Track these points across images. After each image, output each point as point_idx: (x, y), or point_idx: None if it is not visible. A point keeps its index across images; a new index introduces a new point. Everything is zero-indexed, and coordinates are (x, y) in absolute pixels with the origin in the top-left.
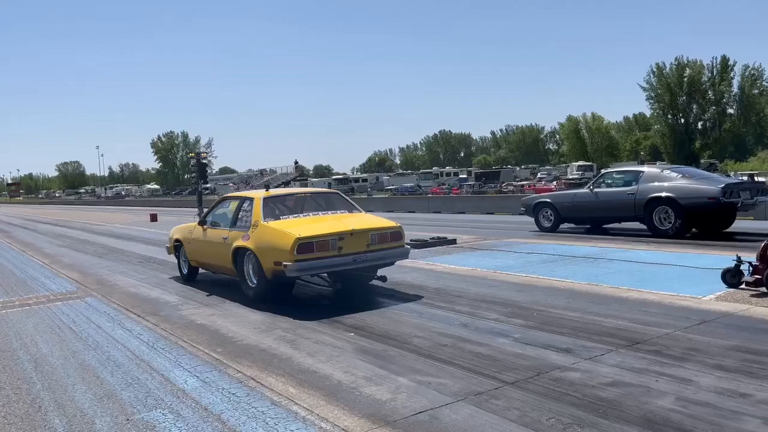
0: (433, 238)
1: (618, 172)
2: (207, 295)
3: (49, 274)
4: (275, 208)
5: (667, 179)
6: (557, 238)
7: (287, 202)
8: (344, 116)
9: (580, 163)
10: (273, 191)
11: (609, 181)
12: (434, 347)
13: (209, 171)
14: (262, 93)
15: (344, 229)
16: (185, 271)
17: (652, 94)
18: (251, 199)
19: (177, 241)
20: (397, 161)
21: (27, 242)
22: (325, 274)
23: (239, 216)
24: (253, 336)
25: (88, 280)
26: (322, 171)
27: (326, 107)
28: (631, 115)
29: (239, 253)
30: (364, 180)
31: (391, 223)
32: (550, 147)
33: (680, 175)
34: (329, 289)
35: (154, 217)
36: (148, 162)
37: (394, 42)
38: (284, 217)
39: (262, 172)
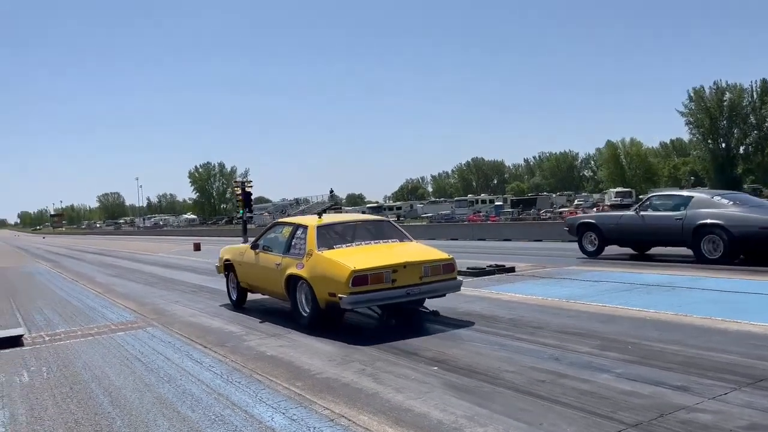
0: (490, 266)
1: (666, 196)
2: (260, 322)
3: (106, 304)
4: (329, 236)
5: (717, 206)
6: (619, 265)
7: (340, 229)
8: (375, 144)
9: (618, 189)
10: (326, 218)
11: (657, 205)
12: (531, 383)
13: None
14: (294, 123)
15: (398, 262)
16: (234, 295)
17: (691, 119)
18: (305, 227)
19: (227, 260)
20: (430, 189)
21: (77, 272)
22: (377, 308)
23: (293, 243)
24: (331, 369)
25: (146, 310)
26: (355, 199)
27: (358, 136)
28: (668, 141)
29: (292, 280)
30: (398, 208)
31: (444, 255)
32: (585, 173)
33: (731, 203)
34: (393, 319)
35: (197, 247)
36: (185, 192)
37: (423, 71)
38: (338, 246)
39: (297, 201)
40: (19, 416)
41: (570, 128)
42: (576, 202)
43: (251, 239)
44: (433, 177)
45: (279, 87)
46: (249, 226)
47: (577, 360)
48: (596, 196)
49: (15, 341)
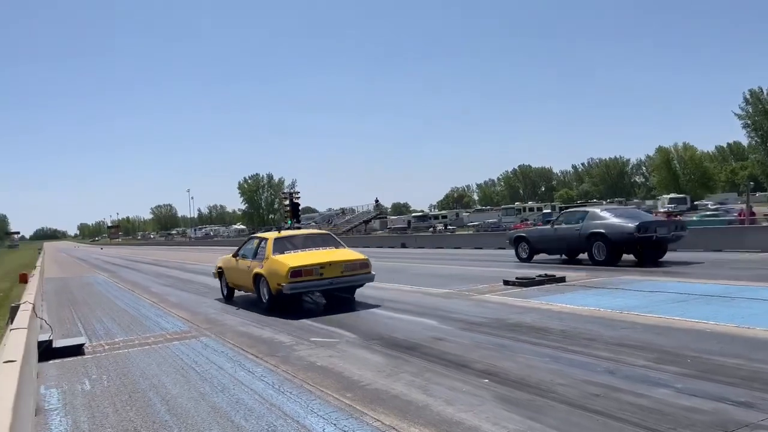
0: (540, 276)
1: (571, 212)
2: (311, 339)
3: (161, 313)
4: (282, 245)
5: (603, 218)
6: (674, 275)
7: (294, 241)
8: (421, 153)
9: (672, 195)
10: (284, 233)
11: (565, 219)
12: (585, 397)
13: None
14: (340, 134)
15: (325, 261)
16: (225, 292)
17: (748, 122)
18: (267, 239)
19: (219, 268)
20: (475, 197)
21: (133, 281)
22: (318, 293)
23: (258, 251)
24: (380, 380)
25: (198, 319)
26: (400, 208)
27: (402, 145)
28: (725, 144)
29: (256, 277)
30: (444, 216)
31: (360, 256)
32: (636, 180)
33: (613, 215)
34: (439, 330)
35: None
36: (235, 203)
37: (467, 79)
38: (287, 252)
39: (343, 211)
40: (82, 424)
41: (622, 134)
42: None
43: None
44: (478, 185)
45: (324, 99)
46: None
47: (633, 373)
48: (649, 202)
49: (77, 350)
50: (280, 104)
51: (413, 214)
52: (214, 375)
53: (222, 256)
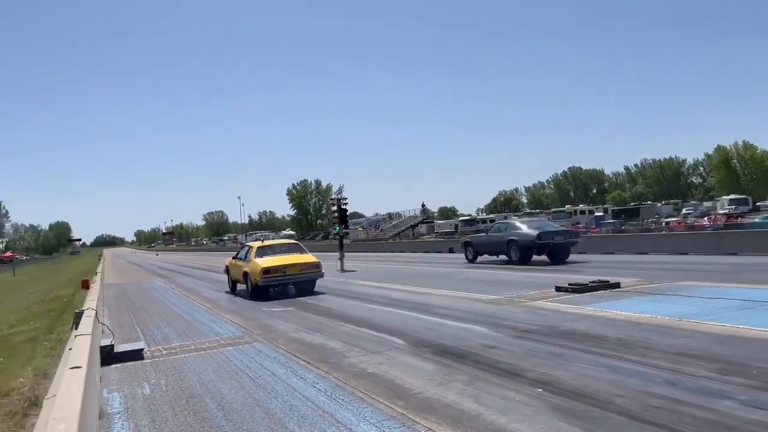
0: (593, 282)
1: (501, 222)
2: (347, 349)
3: (215, 318)
4: (262, 251)
5: (518, 227)
6: (737, 280)
7: (271, 248)
8: (467, 157)
9: (732, 196)
10: (265, 242)
11: (496, 227)
12: (645, 409)
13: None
14: (387, 138)
15: (288, 263)
16: (230, 286)
17: None
18: (252, 247)
19: (226, 266)
20: (524, 200)
21: (188, 287)
22: (291, 285)
23: (247, 255)
24: (432, 388)
25: (251, 325)
26: (447, 213)
27: (449, 147)
28: None
29: (244, 273)
30: (492, 221)
31: (314, 259)
32: (693, 180)
33: (525, 225)
34: (490, 337)
35: None
36: (284, 209)
37: (516, 79)
38: (266, 256)
39: (390, 216)
40: (143, 428)
41: (677, 133)
42: (684, 211)
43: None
44: (527, 188)
45: (371, 104)
46: (345, 241)
47: (695, 385)
48: (707, 204)
49: (137, 355)
50: (327, 110)
51: (461, 218)
52: (268, 381)
53: (228, 259)
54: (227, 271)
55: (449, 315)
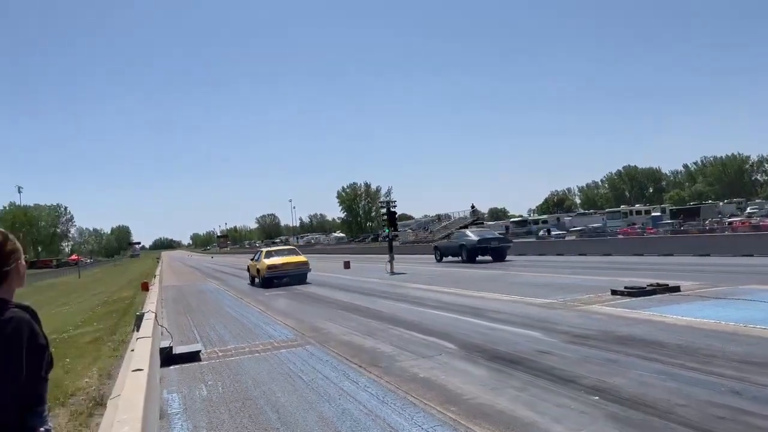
0: (651, 285)
1: (457, 231)
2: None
3: (268, 321)
4: (270, 254)
5: (467, 235)
6: None
7: (275, 252)
8: (518, 156)
9: None
10: (271, 248)
11: (456, 235)
12: (709, 420)
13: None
14: (436, 139)
15: (285, 261)
16: (249, 280)
17: None
18: (262, 251)
19: (248, 266)
20: (577, 200)
21: (241, 289)
22: (287, 278)
23: (258, 257)
24: (485, 395)
25: (303, 327)
26: (497, 213)
27: (499, 147)
28: None
29: (257, 269)
30: (544, 222)
31: (304, 259)
32: (758, 178)
33: (473, 233)
34: (544, 343)
35: (347, 265)
36: (334, 212)
37: (569, 75)
38: (271, 257)
39: (439, 218)
40: (201, 429)
41: (740, 128)
42: (748, 210)
43: (258, 251)
44: (580, 188)
45: (420, 105)
46: (394, 244)
47: (762, 394)
48: None
49: (194, 356)
50: (376, 112)
51: (511, 220)
52: (320, 384)
53: (248, 261)
54: (248, 269)
55: (501, 319)
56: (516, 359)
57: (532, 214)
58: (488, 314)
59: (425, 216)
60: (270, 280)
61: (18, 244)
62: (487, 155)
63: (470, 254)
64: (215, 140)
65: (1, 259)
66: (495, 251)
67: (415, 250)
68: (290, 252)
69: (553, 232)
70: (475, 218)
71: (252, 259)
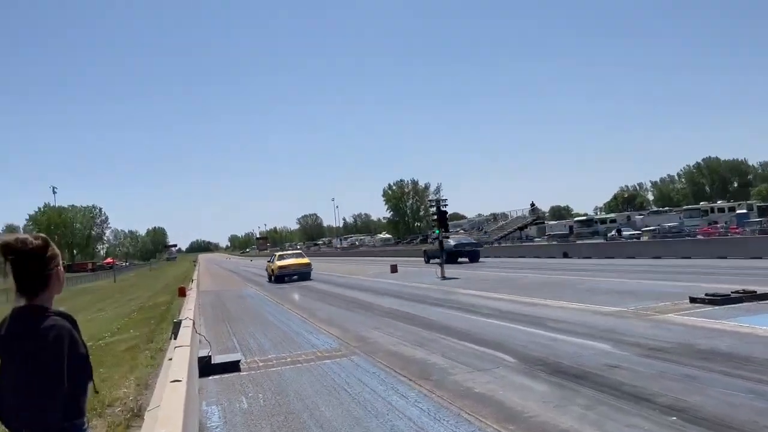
0: (736, 292)
1: (441, 236)
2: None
3: (311, 329)
4: (281, 257)
5: (448, 241)
6: None
7: (286, 255)
8: (583, 148)
9: None
10: (283, 252)
11: (437, 242)
12: None
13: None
14: (492, 132)
15: (292, 263)
16: (268, 278)
17: None
18: (276, 255)
19: (266, 267)
20: (650, 197)
21: (282, 295)
22: (294, 278)
23: (272, 259)
24: (547, 412)
25: (348, 336)
26: (560, 212)
27: (561, 139)
28: None
29: (272, 269)
30: (612, 221)
31: (307, 261)
32: None
33: (453, 240)
34: (613, 356)
35: (394, 268)
36: (380, 211)
37: (639, 67)
38: (283, 260)
39: (494, 217)
40: None
41: None
42: None
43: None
44: (653, 183)
45: (473, 96)
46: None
47: None
48: None
49: (234, 366)
50: (426, 105)
51: (576, 219)
52: (367, 398)
53: (266, 263)
54: (267, 269)
55: (565, 329)
56: (581, 374)
57: (598, 213)
58: (550, 324)
59: (479, 215)
60: (281, 277)
61: (56, 249)
62: (549, 149)
63: (449, 257)
64: (254, 138)
65: (42, 265)
66: (469, 254)
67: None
68: (297, 255)
69: (624, 232)
70: (536, 217)
71: (268, 261)
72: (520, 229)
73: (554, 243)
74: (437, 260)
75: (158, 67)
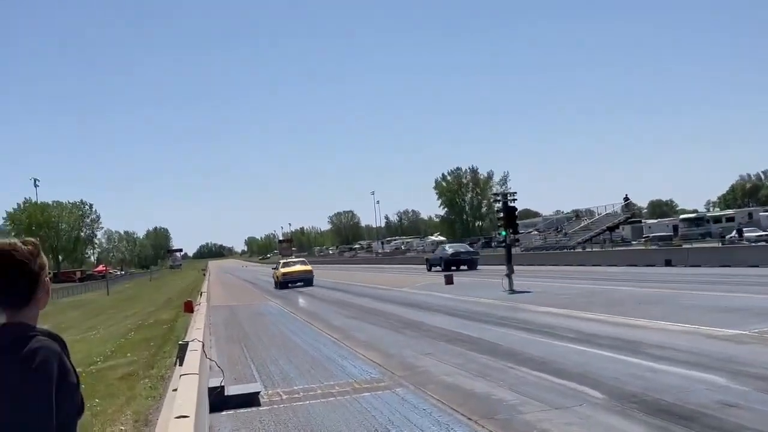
0: None
1: (439, 244)
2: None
3: (346, 354)
4: (286, 264)
5: (445, 250)
6: None
7: (290, 263)
8: (690, 128)
9: None
10: (287, 260)
11: (438, 249)
12: None
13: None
14: (572, 113)
15: (295, 270)
16: (275, 284)
17: None
18: (281, 262)
19: (272, 274)
20: None
21: (310, 311)
22: (300, 284)
23: (277, 265)
24: None
25: (392, 363)
26: (661, 208)
27: (661, 123)
28: None
29: (277, 276)
30: (729, 219)
31: (309, 268)
32: None
33: (450, 247)
34: (729, 391)
35: (449, 279)
36: (431, 208)
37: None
38: (286, 267)
39: (577, 214)
40: None
41: None
42: None
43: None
44: None
45: (547, 67)
46: (513, 251)
47: None
48: None
49: (251, 399)
50: (481, 80)
51: (681, 216)
52: None
53: (274, 270)
54: (273, 276)
55: (667, 357)
56: (688, 414)
57: (711, 209)
58: (648, 350)
59: (557, 212)
60: (285, 283)
61: (45, 258)
62: (647, 128)
63: (447, 264)
64: (275, 122)
65: (32, 276)
66: (467, 262)
67: (541, 260)
68: (300, 263)
69: (746, 234)
70: (630, 215)
71: (274, 269)
72: (610, 229)
73: (653, 247)
74: (438, 268)
75: (165, 49)
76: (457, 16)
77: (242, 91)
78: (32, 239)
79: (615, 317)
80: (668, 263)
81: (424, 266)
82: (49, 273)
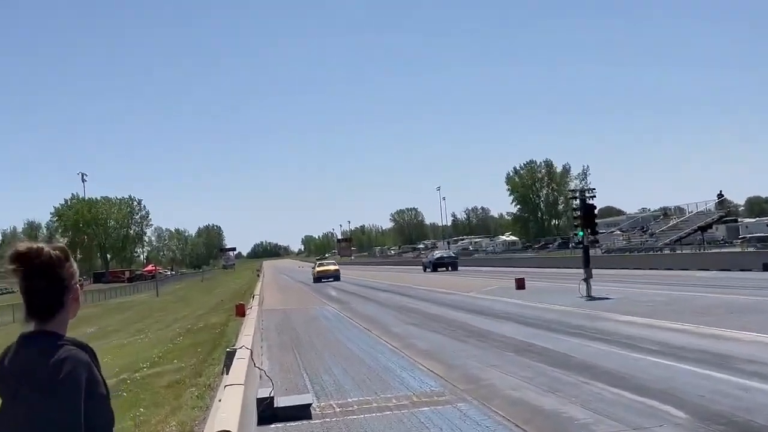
0: None
1: (429, 248)
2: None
3: (405, 364)
4: (321, 263)
5: (434, 253)
6: None
7: (325, 262)
8: None
9: None
10: (322, 260)
11: (427, 252)
12: None
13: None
14: (658, 97)
15: (327, 269)
16: (313, 279)
17: None
18: (317, 262)
19: (312, 269)
20: None
21: (368, 317)
22: (330, 280)
23: (316, 264)
24: None
25: (454, 376)
26: (761, 206)
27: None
28: None
29: (314, 273)
30: None
31: (337, 267)
32: None
33: (439, 251)
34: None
35: (520, 283)
36: (502, 205)
37: None
38: (321, 266)
39: (665, 213)
40: None
41: None
42: None
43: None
44: None
45: (636, 47)
46: (592, 252)
47: None
48: None
49: (303, 412)
50: (563, 66)
51: None
52: None
53: (315, 267)
54: (312, 273)
55: (760, 373)
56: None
57: None
58: (740, 365)
59: (643, 210)
60: (319, 278)
61: (75, 264)
62: (744, 124)
63: (434, 267)
64: (336, 119)
65: (59, 281)
66: (449, 264)
67: (624, 263)
68: (331, 264)
69: None
70: (725, 213)
71: (313, 268)
72: (702, 229)
73: (750, 249)
74: (429, 269)
75: (220, 43)
76: (532, 3)
77: (300, 86)
78: (61, 244)
79: (703, 328)
80: (766, 268)
81: (497, 269)
82: (82, 279)
